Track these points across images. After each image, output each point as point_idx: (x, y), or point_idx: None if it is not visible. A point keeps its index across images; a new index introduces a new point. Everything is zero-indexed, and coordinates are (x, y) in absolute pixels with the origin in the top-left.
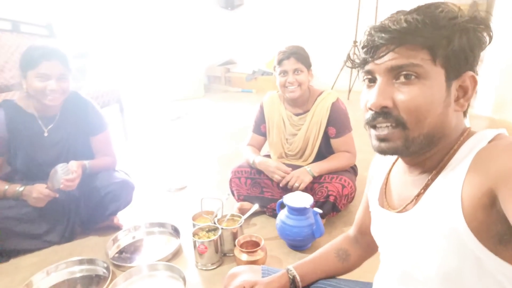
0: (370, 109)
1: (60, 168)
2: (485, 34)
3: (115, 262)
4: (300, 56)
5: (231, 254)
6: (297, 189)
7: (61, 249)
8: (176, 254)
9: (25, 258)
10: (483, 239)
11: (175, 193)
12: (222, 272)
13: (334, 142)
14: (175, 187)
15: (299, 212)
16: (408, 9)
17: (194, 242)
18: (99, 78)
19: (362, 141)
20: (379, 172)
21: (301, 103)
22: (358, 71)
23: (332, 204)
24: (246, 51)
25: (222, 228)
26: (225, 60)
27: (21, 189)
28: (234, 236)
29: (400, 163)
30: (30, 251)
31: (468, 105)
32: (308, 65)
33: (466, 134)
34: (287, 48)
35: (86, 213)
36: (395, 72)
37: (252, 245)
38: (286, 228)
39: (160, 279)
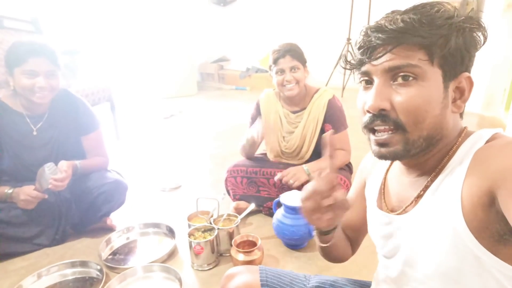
0: (368, 111)
1: (47, 167)
2: (479, 34)
3: (108, 264)
4: (296, 54)
5: (228, 254)
6: (291, 186)
7: (52, 252)
8: (172, 255)
9: (14, 262)
10: (483, 238)
11: (169, 193)
12: (219, 273)
13: None
14: (169, 186)
15: (295, 211)
16: (401, 6)
17: (190, 243)
18: (89, 75)
19: (357, 138)
20: (375, 173)
21: (297, 101)
22: (353, 72)
23: None
24: (239, 48)
25: (218, 228)
26: (218, 57)
27: (10, 191)
28: (231, 236)
29: (397, 165)
30: (19, 254)
31: (464, 107)
32: (303, 62)
33: (463, 134)
34: (281, 46)
35: (78, 215)
36: (392, 73)
37: (249, 245)
38: (283, 227)
39: (155, 281)
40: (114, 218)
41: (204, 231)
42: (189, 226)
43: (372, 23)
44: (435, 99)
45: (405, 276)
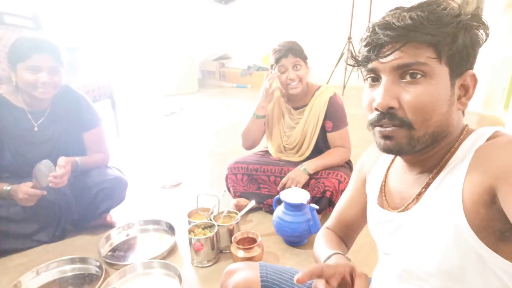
0: (376, 109)
1: (43, 165)
2: (482, 31)
3: (108, 261)
4: (297, 51)
5: (228, 251)
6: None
7: (52, 249)
8: (171, 251)
9: (13, 258)
10: (484, 236)
11: (170, 190)
12: (219, 269)
13: (330, 136)
14: (170, 184)
15: (296, 208)
16: (403, 4)
17: (190, 239)
18: (90, 72)
19: (357, 136)
20: (376, 170)
21: (299, 98)
22: (359, 69)
23: (329, 200)
24: (240, 46)
25: (218, 225)
26: (220, 55)
27: (8, 188)
28: (231, 233)
29: (399, 162)
30: (19, 251)
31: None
32: (305, 59)
33: (465, 132)
34: (282, 45)
35: (78, 211)
36: (400, 71)
37: (249, 242)
38: (283, 224)
39: (155, 277)
40: (114, 215)
41: (204, 227)
42: (189, 222)
43: (377, 19)
44: (442, 97)
45: (407, 273)
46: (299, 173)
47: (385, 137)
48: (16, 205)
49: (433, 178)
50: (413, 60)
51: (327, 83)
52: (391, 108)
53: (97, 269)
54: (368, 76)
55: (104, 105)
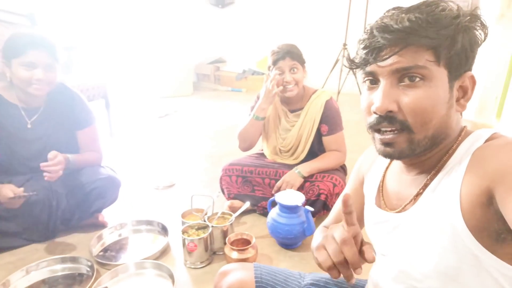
0: (375, 112)
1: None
2: (480, 32)
3: (99, 261)
4: (295, 55)
5: (221, 253)
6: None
7: (42, 247)
8: (164, 252)
9: (2, 257)
10: (481, 237)
11: (163, 191)
12: (212, 271)
13: (325, 139)
14: (163, 184)
15: (290, 210)
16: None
17: (184, 240)
18: (84, 72)
19: (351, 141)
20: (374, 171)
21: (295, 101)
22: (352, 72)
23: (323, 203)
24: (236, 49)
25: (212, 226)
26: (215, 58)
27: None
28: (224, 234)
29: (397, 163)
30: (8, 249)
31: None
32: (302, 62)
33: (463, 133)
34: (280, 47)
35: (69, 210)
36: (399, 75)
37: (243, 243)
38: (278, 226)
39: (147, 278)
40: (106, 215)
41: (198, 228)
42: (183, 223)
43: (375, 21)
44: (441, 100)
45: (403, 274)
46: (294, 176)
47: (386, 144)
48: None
49: (431, 179)
50: (412, 64)
51: (322, 88)
52: (390, 111)
53: (88, 269)
54: (366, 79)
55: (98, 105)
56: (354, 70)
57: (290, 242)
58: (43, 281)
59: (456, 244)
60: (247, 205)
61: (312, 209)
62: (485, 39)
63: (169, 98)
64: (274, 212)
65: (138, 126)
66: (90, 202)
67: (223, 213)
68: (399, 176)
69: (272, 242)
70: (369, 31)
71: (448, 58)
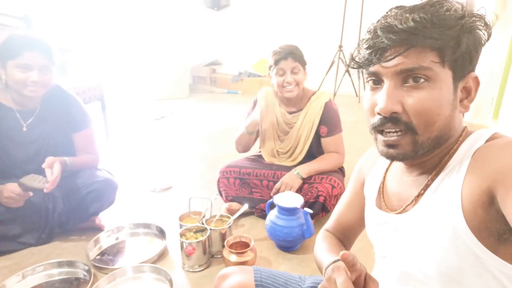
0: (379, 113)
1: (35, 181)
2: (484, 32)
3: (96, 264)
4: (297, 56)
5: (219, 256)
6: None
7: (38, 251)
8: (162, 255)
9: None
10: (482, 237)
11: (160, 194)
12: (210, 274)
13: (324, 141)
14: (160, 187)
15: (289, 212)
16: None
17: (182, 243)
18: (80, 74)
19: (350, 142)
20: (374, 173)
21: (295, 102)
22: (348, 74)
23: (322, 205)
24: (232, 52)
25: (210, 229)
26: (211, 60)
27: None
28: (223, 237)
29: (398, 164)
30: (3, 253)
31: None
32: (304, 64)
33: (464, 134)
34: (283, 48)
35: (66, 213)
36: (404, 75)
37: (242, 246)
38: (277, 229)
39: (145, 282)
40: (103, 218)
41: (196, 231)
42: (181, 226)
43: (379, 20)
44: (446, 101)
45: (405, 276)
46: (293, 178)
47: (389, 145)
48: (1, 206)
49: (432, 180)
50: (417, 65)
51: (318, 90)
52: (395, 112)
53: (85, 273)
54: (369, 79)
55: (94, 108)
56: (353, 70)
57: (289, 244)
58: (40, 286)
59: (458, 244)
60: (245, 207)
61: (311, 211)
62: (488, 39)
63: (165, 100)
64: (272, 215)
65: (134, 128)
66: (87, 204)
67: (221, 215)
68: (400, 177)
69: (270, 244)
70: (372, 30)
71: (453, 59)
